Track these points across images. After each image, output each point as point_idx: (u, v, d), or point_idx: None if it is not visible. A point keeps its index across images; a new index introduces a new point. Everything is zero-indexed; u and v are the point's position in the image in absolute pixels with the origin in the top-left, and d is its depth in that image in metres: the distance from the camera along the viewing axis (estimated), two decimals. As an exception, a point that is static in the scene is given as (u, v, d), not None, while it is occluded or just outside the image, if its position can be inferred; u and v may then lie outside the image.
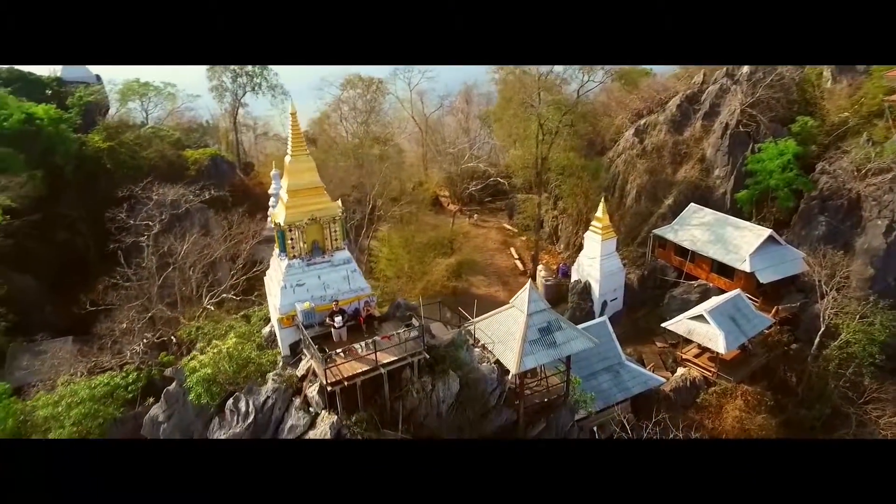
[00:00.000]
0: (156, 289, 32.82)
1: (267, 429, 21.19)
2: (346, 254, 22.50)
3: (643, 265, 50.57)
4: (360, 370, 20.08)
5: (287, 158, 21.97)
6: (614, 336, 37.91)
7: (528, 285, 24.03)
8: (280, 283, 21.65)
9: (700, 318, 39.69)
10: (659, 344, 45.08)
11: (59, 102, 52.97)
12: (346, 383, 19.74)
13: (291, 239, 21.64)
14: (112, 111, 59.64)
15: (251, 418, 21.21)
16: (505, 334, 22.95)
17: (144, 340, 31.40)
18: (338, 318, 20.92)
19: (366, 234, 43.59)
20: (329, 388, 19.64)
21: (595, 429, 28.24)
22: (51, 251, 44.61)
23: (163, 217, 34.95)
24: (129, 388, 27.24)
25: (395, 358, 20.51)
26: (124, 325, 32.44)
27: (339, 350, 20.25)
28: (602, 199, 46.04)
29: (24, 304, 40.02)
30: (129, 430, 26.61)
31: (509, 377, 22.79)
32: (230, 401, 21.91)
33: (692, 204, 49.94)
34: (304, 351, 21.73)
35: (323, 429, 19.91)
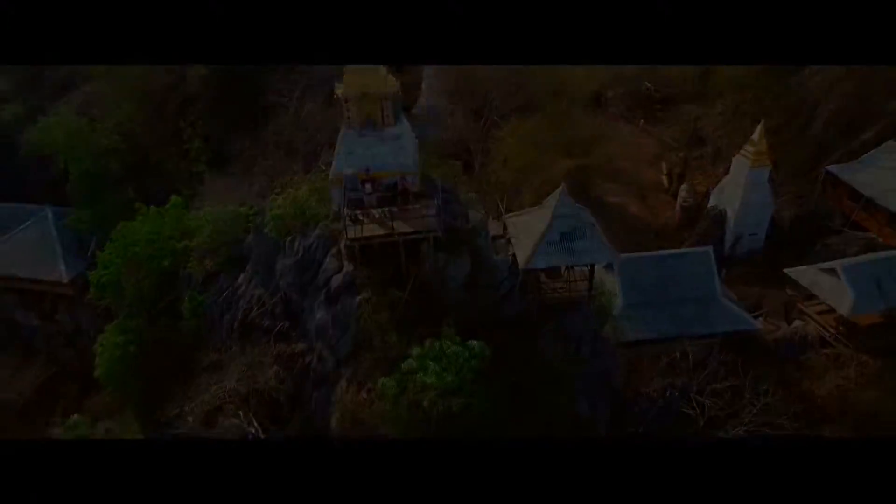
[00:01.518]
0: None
1: (310, 266, 25.04)
2: (396, 130, 24.27)
3: (804, 205, 44.30)
4: (378, 233, 22.56)
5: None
6: (715, 269, 35.19)
7: (561, 188, 23.65)
8: (337, 148, 24.47)
9: (832, 272, 34.88)
10: (789, 292, 40.48)
11: None
12: (364, 242, 22.48)
13: (348, 110, 23.99)
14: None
15: (300, 255, 25.20)
16: (529, 232, 23.36)
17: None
18: (367, 186, 23.26)
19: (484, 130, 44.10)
20: (348, 243, 22.58)
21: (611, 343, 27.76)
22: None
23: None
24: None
25: (411, 230, 22.52)
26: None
27: (358, 212, 22.82)
28: (762, 122, 40.60)
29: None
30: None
31: (522, 269, 23.37)
32: (289, 238, 26.10)
33: (890, 142, 41.66)
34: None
35: (340, 276, 23.24)
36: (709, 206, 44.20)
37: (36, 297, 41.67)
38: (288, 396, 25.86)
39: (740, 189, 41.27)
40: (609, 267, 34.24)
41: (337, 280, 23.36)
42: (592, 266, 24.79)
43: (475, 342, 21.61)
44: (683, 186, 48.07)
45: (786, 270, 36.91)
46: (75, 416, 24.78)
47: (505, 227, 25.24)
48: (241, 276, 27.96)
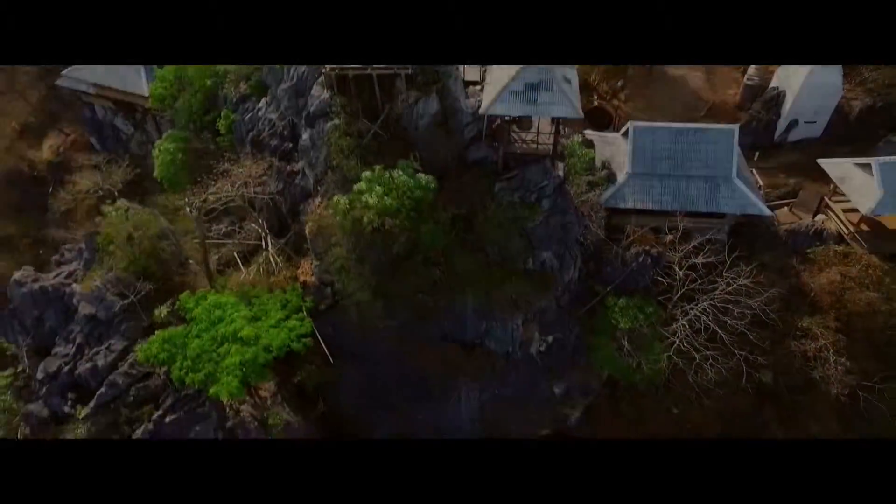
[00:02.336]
0: None
1: (302, 93, 27.51)
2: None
3: (881, 96, 40.02)
4: (353, 67, 24.52)
5: None
6: (736, 149, 33.82)
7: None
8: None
9: (866, 167, 32.68)
10: (832, 186, 38.29)
11: None
12: (340, 72, 24.58)
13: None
14: None
15: (294, 81, 27.48)
16: (501, 80, 24.09)
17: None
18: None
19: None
20: (327, 72, 24.81)
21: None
22: None
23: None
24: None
25: (384, 66, 24.25)
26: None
27: (337, 45, 24.68)
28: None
29: None
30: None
31: (482, 115, 24.50)
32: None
33: None
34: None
35: (318, 101, 25.79)
36: (770, 85, 41.11)
37: (129, 108, 48.15)
38: (288, 209, 30.08)
39: (803, 71, 37.96)
40: (625, 135, 34.38)
41: (315, 105, 25.96)
42: (557, 121, 25.53)
43: (425, 176, 24.00)
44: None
45: (819, 161, 34.85)
46: (122, 200, 29.95)
47: (483, 75, 26.21)
48: (263, 100, 31.37)
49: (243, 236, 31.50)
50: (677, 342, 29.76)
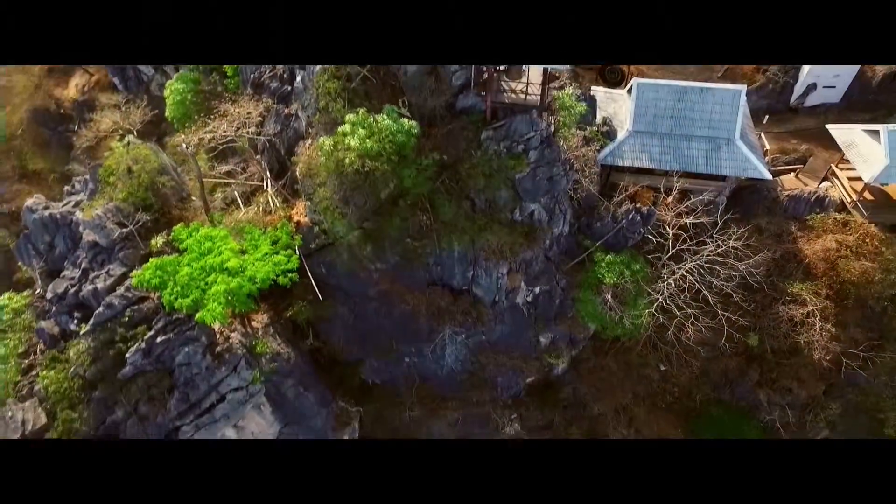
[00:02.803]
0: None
1: None
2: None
3: (907, 61, 38.43)
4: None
5: None
6: (743, 111, 33.21)
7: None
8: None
9: (874, 133, 31.91)
10: (841, 154, 37.42)
11: None
12: None
13: None
14: None
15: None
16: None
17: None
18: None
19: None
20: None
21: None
22: None
23: None
24: None
25: (376, 10, 24.55)
26: None
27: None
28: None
29: None
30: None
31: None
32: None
33: None
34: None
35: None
36: (789, 47, 39.81)
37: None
38: (286, 151, 31.04)
39: (825, 31, 36.65)
40: (630, 92, 34.08)
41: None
42: (546, 72, 25.60)
43: (409, 121, 24.55)
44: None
45: (828, 126, 34.07)
46: (130, 136, 31.28)
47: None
48: (267, 42, 31.94)
49: (246, 177, 32.72)
50: (660, 299, 30.15)
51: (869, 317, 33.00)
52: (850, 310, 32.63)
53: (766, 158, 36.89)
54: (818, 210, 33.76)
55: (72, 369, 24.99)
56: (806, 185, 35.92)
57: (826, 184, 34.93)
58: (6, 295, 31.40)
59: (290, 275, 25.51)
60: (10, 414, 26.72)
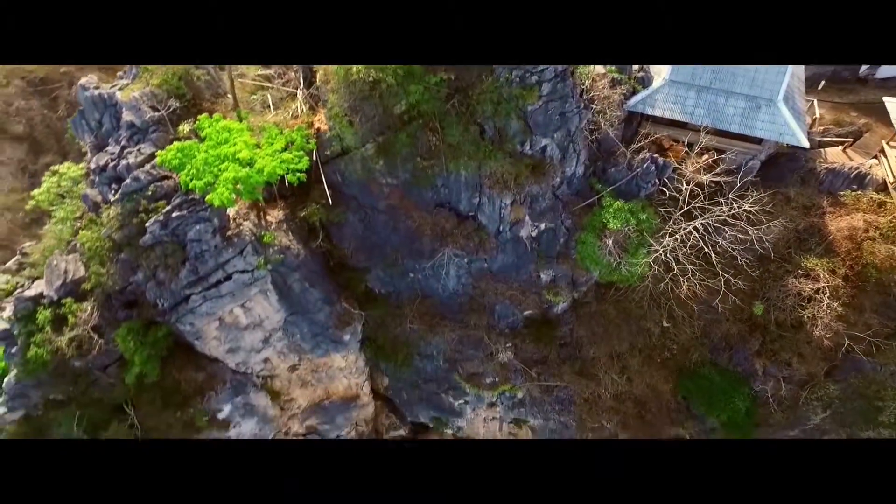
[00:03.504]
0: None
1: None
2: None
3: None
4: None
5: None
6: (792, 72, 31.34)
7: None
8: None
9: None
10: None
11: None
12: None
13: None
14: None
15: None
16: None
17: None
18: None
19: None
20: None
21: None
22: None
23: None
24: None
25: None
26: None
27: None
28: None
29: None
30: None
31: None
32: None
33: None
34: None
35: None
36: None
37: None
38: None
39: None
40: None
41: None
42: None
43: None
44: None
45: (884, 98, 31.76)
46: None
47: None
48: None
49: (283, 82, 34.34)
50: (660, 251, 30.05)
51: (889, 304, 31.58)
52: (868, 294, 31.28)
53: (816, 128, 34.99)
54: (856, 187, 31.98)
55: (104, 230, 28.13)
56: (852, 160, 33.91)
57: (873, 161, 32.87)
58: (66, 164, 35.07)
59: (298, 174, 27.19)
60: (55, 262, 30.57)
